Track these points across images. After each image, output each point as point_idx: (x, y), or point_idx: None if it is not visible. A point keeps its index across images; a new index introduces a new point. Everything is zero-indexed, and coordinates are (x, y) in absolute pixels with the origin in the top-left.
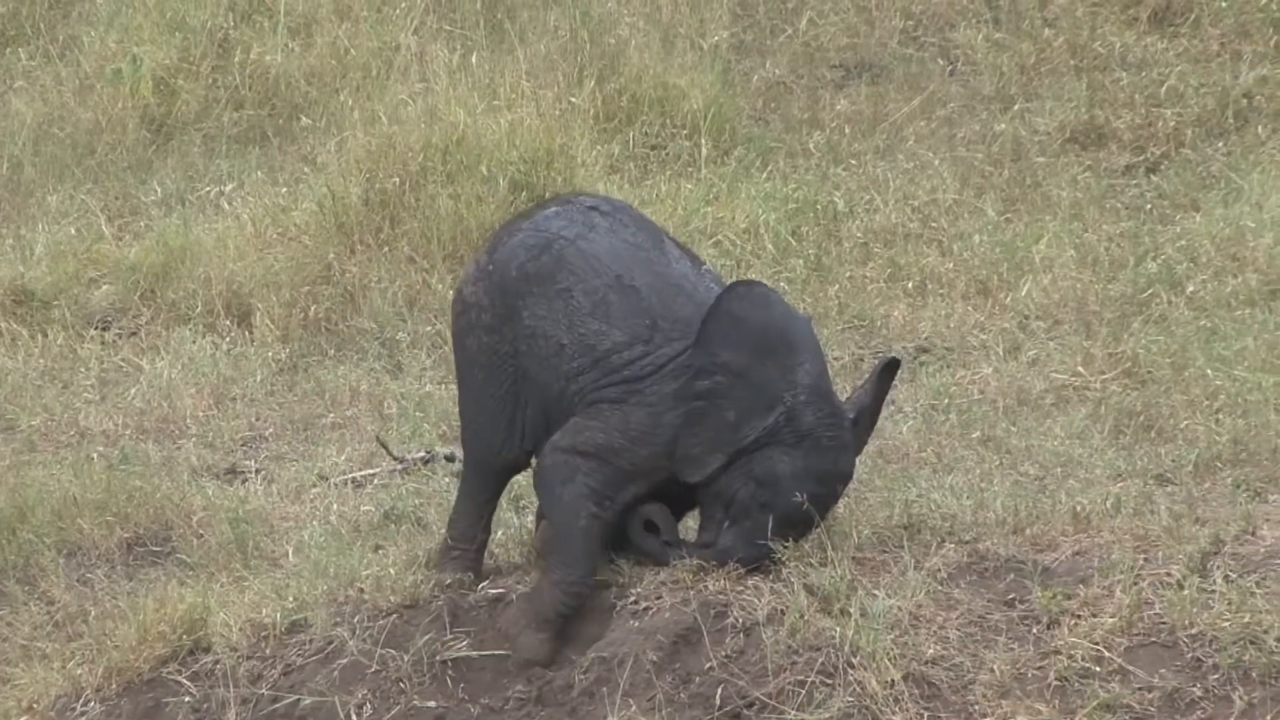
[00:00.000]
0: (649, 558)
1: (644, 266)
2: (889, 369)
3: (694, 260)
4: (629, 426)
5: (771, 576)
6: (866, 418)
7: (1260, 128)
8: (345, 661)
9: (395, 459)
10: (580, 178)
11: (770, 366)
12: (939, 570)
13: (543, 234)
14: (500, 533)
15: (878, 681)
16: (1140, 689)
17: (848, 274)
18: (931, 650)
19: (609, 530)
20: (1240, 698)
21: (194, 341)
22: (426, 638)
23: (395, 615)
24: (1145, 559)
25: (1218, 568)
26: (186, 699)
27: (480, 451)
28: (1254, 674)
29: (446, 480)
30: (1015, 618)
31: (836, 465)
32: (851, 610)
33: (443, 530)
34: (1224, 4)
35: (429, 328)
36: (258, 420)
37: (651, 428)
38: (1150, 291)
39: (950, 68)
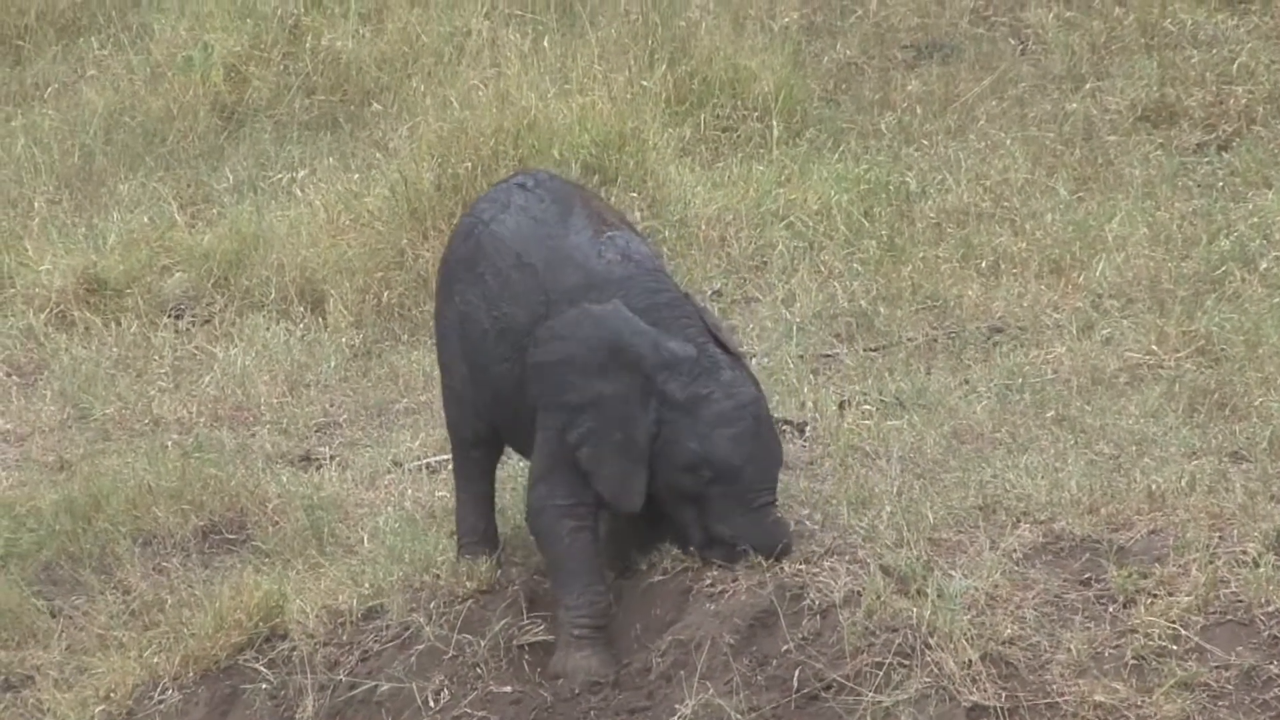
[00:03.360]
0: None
1: (541, 242)
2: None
3: (598, 227)
4: (553, 421)
5: (848, 558)
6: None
7: None
8: (422, 647)
9: None
10: (652, 161)
11: (617, 374)
12: (1015, 550)
13: (469, 219)
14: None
15: (955, 662)
16: (1217, 667)
17: (920, 254)
18: (1008, 630)
19: (599, 534)
20: None
21: (267, 328)
22: (503, 623)
23: (471, 600)
24: (1221, 537)
25: None
26: (264, 686)
27: (451, 432)
28: None
29: (520, 464)
30: (1091, 597)
31: (731, 395)
32: (928, 591)
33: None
34: None
35: None
36: (332, 406)
37: None
38: (1223, 269)
39: (1021, 47)
